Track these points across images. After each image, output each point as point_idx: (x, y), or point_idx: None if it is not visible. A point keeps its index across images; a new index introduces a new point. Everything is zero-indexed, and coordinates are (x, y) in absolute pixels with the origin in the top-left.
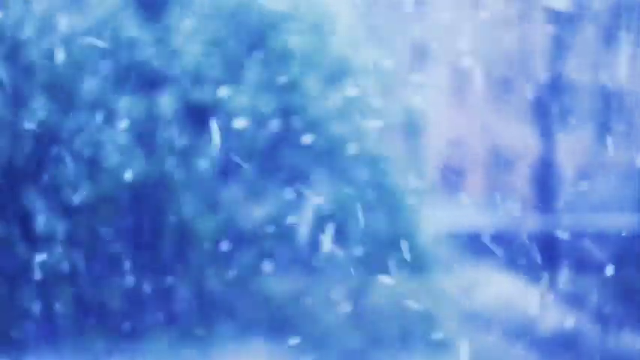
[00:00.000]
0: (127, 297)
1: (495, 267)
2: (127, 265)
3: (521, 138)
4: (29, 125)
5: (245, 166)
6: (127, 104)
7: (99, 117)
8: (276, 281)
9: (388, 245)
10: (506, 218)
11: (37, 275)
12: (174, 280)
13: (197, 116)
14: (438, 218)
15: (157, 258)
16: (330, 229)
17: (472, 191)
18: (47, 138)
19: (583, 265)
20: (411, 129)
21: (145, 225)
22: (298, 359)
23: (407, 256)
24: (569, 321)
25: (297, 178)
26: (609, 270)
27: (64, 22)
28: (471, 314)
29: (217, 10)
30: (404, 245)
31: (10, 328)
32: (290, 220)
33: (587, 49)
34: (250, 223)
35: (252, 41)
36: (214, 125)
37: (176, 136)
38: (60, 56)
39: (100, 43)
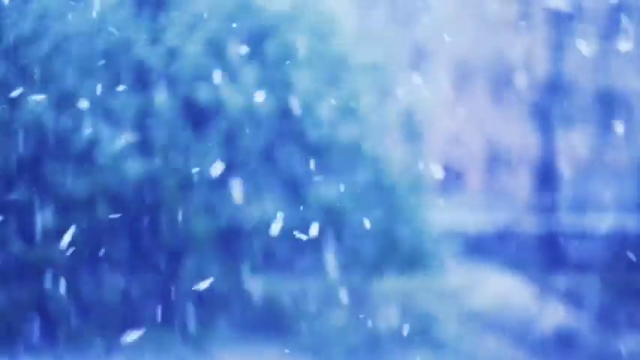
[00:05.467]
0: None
1: (495, 267)
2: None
3: (521, 138)
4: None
5: (244, 165)
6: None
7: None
8: (275, 279)
9: (388, 244)
10: (506, 218)
11: None
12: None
13: (196, 115)
14: (438, 218)
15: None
16: (329, 229)
17: (472, 191)
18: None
19: (583, 265)
20: (411, 129)
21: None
22: (297, 358)
23: (406, 255)
24: (569, 320)
25: (296, 177)
26: (608, 269)
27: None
28: (470, 313)
29: (217, 11)
30: (404, 244)
31: None
32: (289, 219)
33: (586, 49)
34: (250, 222)
35: (252, 42)
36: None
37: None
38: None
39: None
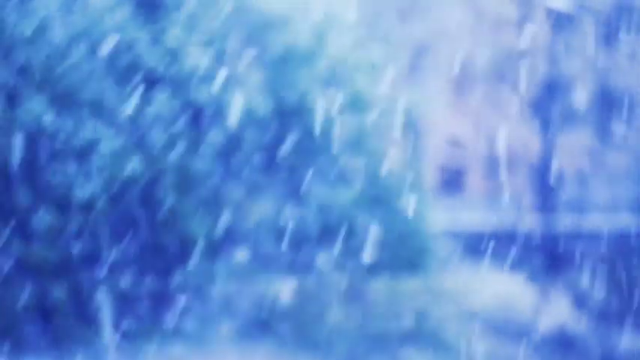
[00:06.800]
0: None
1: (495, 267)
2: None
3: (521, 138)
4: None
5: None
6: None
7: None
8: (275, 280)
9: (388, 244)
10: (506, 218)
11: None
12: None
13: (195, 116)
14: (438, 218)
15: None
16: (328, 229)
17: (472, 191)
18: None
19: (582, 265)
20: (411, 129)
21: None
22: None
23: (406, 255)
24: (568, 320)
25: (295, 177)
26: (608, 269)
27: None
28: (470, 313)
29: (217, 11)
30: (404, 244)
31: None
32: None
33: (586, 49)
34: (249, 222)
35: (251, 42)
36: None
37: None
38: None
39: None
